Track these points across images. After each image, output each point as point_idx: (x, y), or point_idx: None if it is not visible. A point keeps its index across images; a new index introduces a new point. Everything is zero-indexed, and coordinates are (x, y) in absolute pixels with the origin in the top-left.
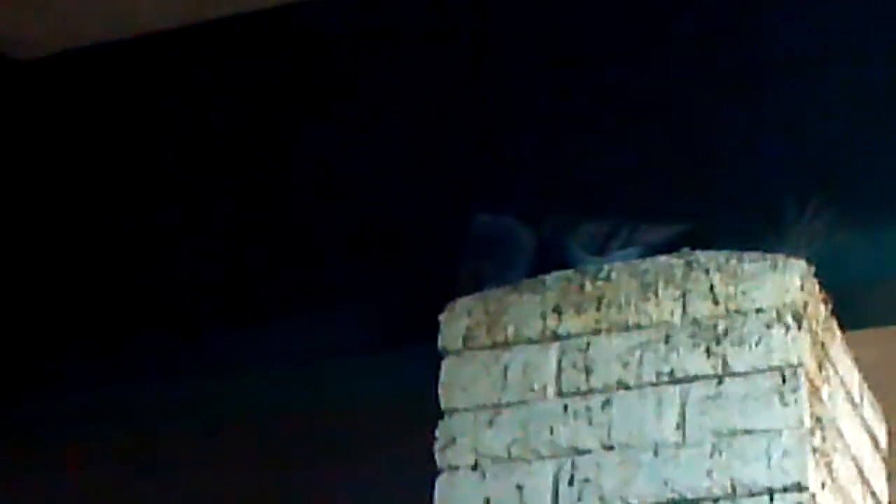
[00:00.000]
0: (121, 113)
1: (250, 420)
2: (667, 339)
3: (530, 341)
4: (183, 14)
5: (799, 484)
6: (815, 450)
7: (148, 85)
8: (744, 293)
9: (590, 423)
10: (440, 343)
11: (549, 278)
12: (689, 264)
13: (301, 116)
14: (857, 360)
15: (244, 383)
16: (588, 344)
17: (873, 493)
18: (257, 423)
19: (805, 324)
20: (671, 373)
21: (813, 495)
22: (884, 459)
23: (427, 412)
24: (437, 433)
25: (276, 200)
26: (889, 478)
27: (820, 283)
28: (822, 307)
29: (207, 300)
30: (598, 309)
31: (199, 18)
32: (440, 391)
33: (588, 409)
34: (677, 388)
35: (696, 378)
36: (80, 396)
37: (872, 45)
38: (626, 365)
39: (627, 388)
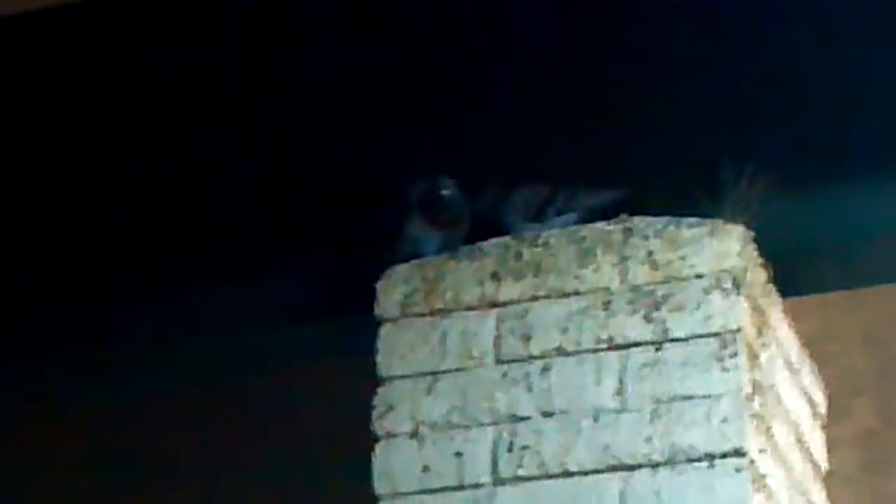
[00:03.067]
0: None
1: (187, 387)
2: (605, 306)
3: (468, 308)
4: None
5: (738, 449)
6: (754, 415)
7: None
8: (682, 259)
9: (529, 390)
10: (377, 311)
11: (487, 245)
12: (627, 230)
13: (231, 85)
14: (798, 331)
15: (182, 350)
16: (526, 310)
17: (812, 460)
18: (194, 391)
19: (744, 289)
20: (610, 339)
21: (752, 461)
22: (823, 427)
23: (366, 380)
24: (375, 401)
25: (212, 166)
26: (828, 446)
27: (759, 249)
28: (760, 273)
29: (142, 266)
30: (537, 275)
31: None
32: (378, 359)
33: (527, 375)
34: (616, 354)
35: (635, 344)
36: None
37: (808, 14)
38: (564, 331)
39: (566, 354)
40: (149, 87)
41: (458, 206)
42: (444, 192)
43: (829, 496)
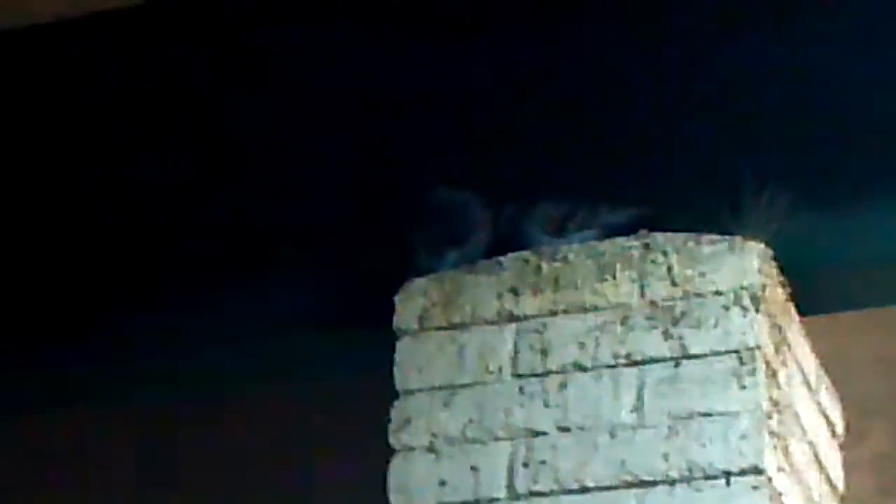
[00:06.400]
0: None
1: (208, 397)
2: (624, 321)
3: (486, 322)
4: None
5: (756, 467)
6: (772, 433)
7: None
8: (702, 275)
9: (546, 405)
10: (395, 323)
11: (506, 259)
12: (646, 246)
13: (244, 97)
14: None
15: (199, 360)
16: (544, 325)
17: (829, 479)
18: (215, 400)
19: (763, 307)
20: (628, 355)
21: (769, 479)
22: (840, 447)
23: (383, 393)
24: (391, 414)
25: (232, 175)
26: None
27: (778, 266)
28: (780, 290)
29: (162, 273)
30: (555, 290)
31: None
32: (395, 372)
33: (544, 390)
34: (634, 370)
35: (653, 360)
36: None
37: (827, 34)
38: (582, 346)
39: (584, 369)
40: (150, 87)
41: (478, 219)
42: (464, 206)
43: None
